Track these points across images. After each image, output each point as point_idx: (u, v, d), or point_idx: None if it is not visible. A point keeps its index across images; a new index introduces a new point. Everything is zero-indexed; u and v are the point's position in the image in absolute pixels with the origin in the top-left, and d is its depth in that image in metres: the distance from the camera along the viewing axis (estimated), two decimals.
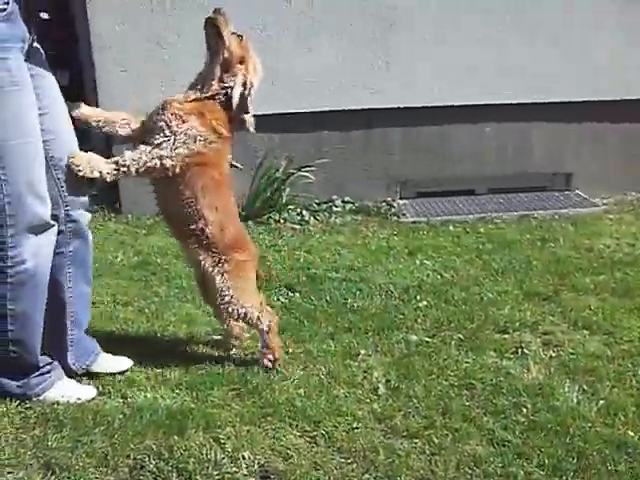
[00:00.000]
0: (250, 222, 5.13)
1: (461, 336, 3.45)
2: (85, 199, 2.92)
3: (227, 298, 3.08)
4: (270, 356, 3.13)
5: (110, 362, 3.09)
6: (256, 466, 2.53)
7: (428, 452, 2.61)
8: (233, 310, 3.11)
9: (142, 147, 2.91)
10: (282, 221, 5.22)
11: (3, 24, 2.53)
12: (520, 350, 3.32)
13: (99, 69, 5.22)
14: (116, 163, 2.87)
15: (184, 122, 2.90)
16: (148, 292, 3.76)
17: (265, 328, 3.15)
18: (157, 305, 3.76)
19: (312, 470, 2.51)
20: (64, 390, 2.88)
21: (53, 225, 2.73)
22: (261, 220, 5.20)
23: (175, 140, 2.88)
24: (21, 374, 2.82)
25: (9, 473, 2.49)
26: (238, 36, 2.97)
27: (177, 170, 2.90)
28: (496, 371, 3.13)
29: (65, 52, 8.89)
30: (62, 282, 2.91)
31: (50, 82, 2.79)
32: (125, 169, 2.87)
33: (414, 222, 5.27)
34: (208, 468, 2.50)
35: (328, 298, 3.86)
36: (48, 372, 2.87)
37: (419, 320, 3.62)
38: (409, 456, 2.58)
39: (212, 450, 2.57)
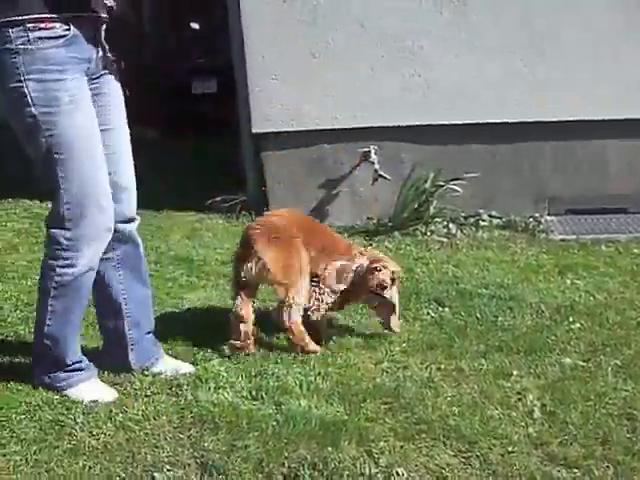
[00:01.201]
0: (396, 233, 5.15)
1: (618, 362, 3.28)
2: (133, 210, 3.04)
3: None
4: None
5: (170, 365, 3.19)
6: None
7: None
8: None
9: None
10: (429, 233, 5.18)
11: (63, 49, 2.67)
12: None
13: (251, 77, 5.34)
14: None
15: None
16: None
17: None
18: None
19: None
20: (85, 389, 2.99)
21: (109, 235, 2.88)
22: (407, 232, 5.19)
23: None
24: (53, 367, 2.99)
25: (168, 471, 2.54)
26: None
27: None
28: None
29: (213, 60, 9.19)
30: (115, 285, 3.06)
31: (117, 100, 2.95)
32: None
33: (563, 240, 5.12)
34: None
35: (478, 315, 3.79)
36: (76, 370, 3.01)
37: (572, 342, 3.49)
38: None
39: (366, 464, 2.54)
